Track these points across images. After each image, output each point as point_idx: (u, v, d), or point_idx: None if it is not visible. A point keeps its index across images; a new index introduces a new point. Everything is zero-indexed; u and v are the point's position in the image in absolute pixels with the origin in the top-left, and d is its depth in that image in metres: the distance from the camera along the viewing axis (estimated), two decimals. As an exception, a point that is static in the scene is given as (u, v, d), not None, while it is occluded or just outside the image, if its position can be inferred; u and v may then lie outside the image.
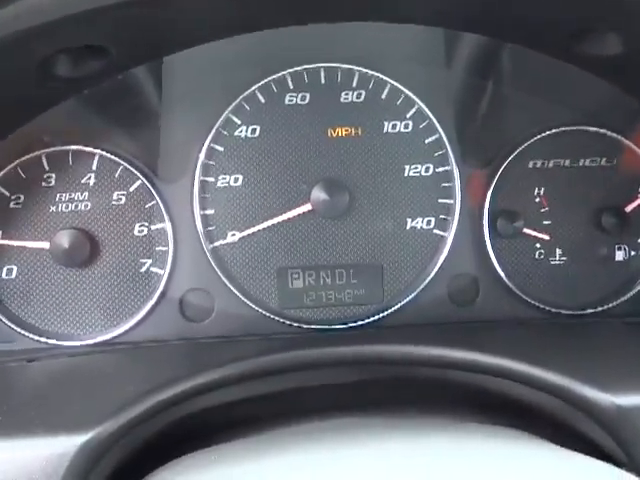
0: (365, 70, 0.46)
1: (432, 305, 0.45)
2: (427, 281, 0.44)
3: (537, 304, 0.42)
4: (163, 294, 0.45)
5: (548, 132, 0.43)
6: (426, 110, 0.45)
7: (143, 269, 0.46)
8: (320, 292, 0.45)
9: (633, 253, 0.44)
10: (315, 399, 0.41)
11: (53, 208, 0.47)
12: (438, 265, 0.44)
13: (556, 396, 0.36)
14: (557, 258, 0.44)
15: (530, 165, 0.43)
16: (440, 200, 0.43)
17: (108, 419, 0.39)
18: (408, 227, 0.43)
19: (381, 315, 0.44)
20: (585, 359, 0.37)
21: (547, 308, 0.43)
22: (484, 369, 0.36)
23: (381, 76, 0.46)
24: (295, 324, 0.46)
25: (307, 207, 0.43)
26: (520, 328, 0.44)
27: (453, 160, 0.43)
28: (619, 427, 0.36)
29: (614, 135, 0.44)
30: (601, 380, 0.35)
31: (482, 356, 0.36)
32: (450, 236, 0.43)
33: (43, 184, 0.47)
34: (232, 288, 0.45)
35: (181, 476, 0.38)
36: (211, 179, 0.45)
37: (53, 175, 0.47)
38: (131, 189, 0.46)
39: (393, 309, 0.44)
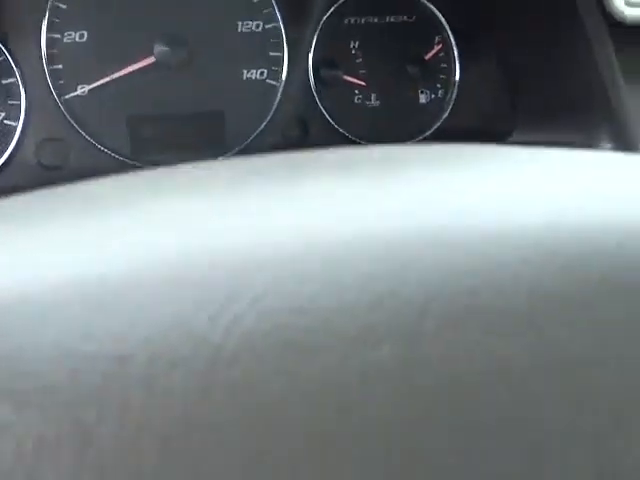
0: None
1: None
2: (264, 125, 0.50)
3: (359, 140, 0.50)
4: (18, 145, 0.47)
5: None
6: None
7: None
8: (169, 138, 0.50)
9: (433, 96, 0.53)
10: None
11: None
12: (272, 111, 0.50)
13: None
14: (372, 101, 0.52)
15: (346, 22, 0.50)
16: (271, 53, 0.49)
17: None
18: (244, 78, 0.49)
19: (223, 156, 0.50)
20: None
21: (367, 144, 0.51)
22: None
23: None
24: (147, 166, 0.51)
25: (150, 60, 0.47)
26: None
27: (280, 18, 0.48)
28: None
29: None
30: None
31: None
32: (281, 85, 0.49)
33: None
34: (86, 136, 0.48)
35: None
36: (57, 35, 0.48)
37: None
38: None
39: (235, 150, 0.49)
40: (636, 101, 0.47)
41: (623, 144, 0.45)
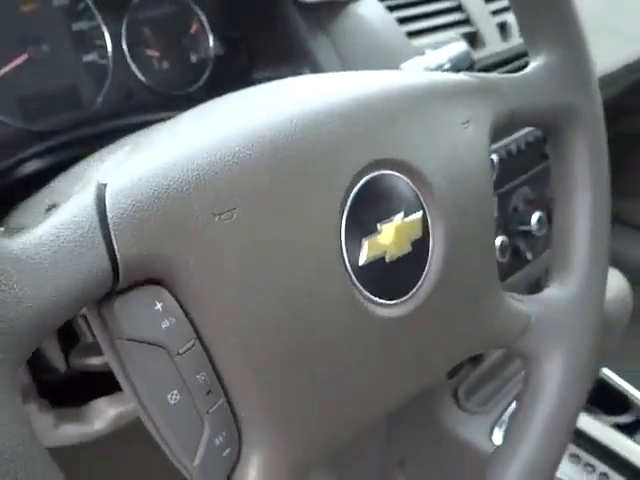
0: None
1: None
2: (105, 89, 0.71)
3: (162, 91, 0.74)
4: None
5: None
6: None
7: None
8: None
9: (197, 57, 0.79)
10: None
11: None
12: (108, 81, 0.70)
13: None
14: (163, 67, 0.76)
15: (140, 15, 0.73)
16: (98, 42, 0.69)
17: None
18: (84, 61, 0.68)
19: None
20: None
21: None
22: None
23: None
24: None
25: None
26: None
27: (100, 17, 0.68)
28: None
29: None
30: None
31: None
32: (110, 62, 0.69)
33: None
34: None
35: None
36: None
37: None
38: None
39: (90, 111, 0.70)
40: (321, 45, 0.77)
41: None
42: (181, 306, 0.32)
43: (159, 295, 0.31)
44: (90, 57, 0.63)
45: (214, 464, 0.33)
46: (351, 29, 0.73)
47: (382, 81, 0.43)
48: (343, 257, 0.36)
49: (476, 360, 0.97)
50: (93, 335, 0.47)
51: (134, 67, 0.65)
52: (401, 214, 0.39)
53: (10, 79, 0.60)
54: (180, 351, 0.31)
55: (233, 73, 0.73)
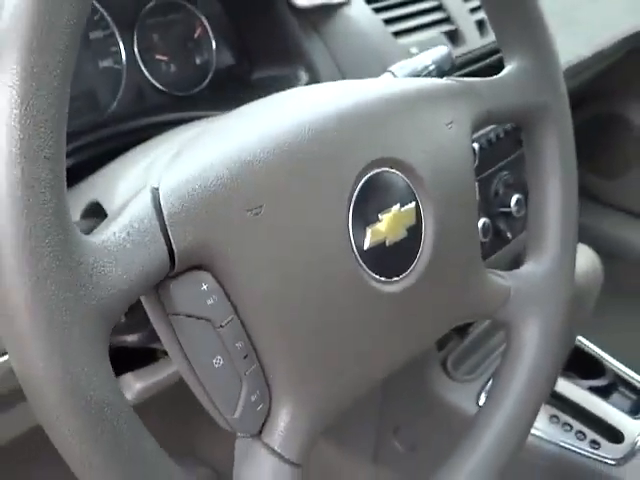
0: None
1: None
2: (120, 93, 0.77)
3: (170, 91, 0.80)
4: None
5: None
6: None
7: None
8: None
9: (202, 58, 0.85)
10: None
11: None
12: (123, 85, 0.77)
13: None
14: (171, 69, 0.82)
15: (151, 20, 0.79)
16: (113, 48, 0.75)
17: None
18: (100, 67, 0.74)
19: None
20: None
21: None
22: None
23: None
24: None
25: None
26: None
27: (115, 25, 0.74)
28: None
29: None
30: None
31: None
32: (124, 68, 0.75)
33: None
34: None
35: None
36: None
37: None
38: None
39: (109, 112, 0.76)
40: (315, 47, 0.84)
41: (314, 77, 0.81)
42: (221, 286, 0.38)
43: (204, 278, 0.38)
44: (106, 63, 0.69)
45: (250, 417, 0.40)
46: (342, 31, 0.80)
47: (378, 89, 0.50)
48: (351, 243, 0.43)
49: (462, 333, 1.04)
50: (125, 315, 0.54)
51: (145, 71, 0.71)
52: (397, 205, 0.46)
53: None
54: (222, 324, 0.38)
55: (234, 74, 0.78)
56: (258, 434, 0.41)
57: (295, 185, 0.41)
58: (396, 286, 0.46)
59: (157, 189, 0.37)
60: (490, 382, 0.97)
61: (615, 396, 0.97)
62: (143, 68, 0.74)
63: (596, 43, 1.29)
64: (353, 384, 0.45)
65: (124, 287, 0.32)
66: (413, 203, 0.47)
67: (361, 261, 0.44)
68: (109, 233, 0.32)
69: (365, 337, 0.44)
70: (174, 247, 0.35)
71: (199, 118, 0.65)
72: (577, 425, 0.91)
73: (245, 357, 0.39)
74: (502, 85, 0.57)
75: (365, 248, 0.44)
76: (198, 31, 0.77)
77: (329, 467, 1.06)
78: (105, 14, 0.67)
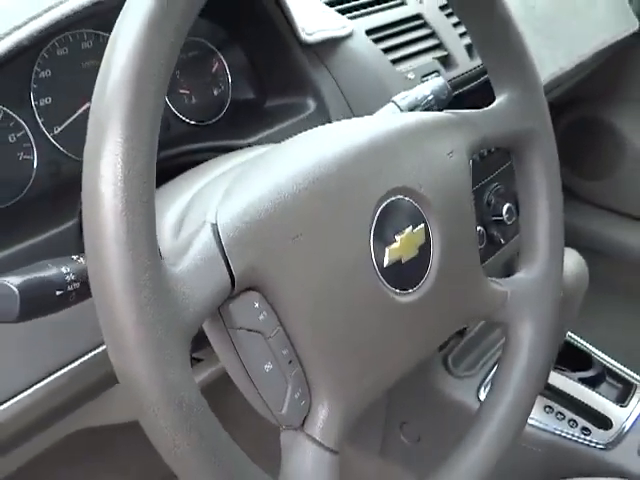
0: None
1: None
2: None
3: (190, 121, 0.87)
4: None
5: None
6: None
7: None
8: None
9: (217, 90, 0.93)
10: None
11: None
12: None
13: None
14: (192, 101, 0.90)
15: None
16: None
17: None
18: None
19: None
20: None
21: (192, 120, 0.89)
22: None
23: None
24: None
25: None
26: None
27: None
28: None
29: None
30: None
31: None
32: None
33: None
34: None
35: None
36: None
37: None
38: None
39: None
40: (321, 77, 0.91)
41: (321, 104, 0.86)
42: (269, 304, 0.46)
43: (255, 297, 0.46)
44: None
45: (294, 412, 0.48)
46: (346, 61, 0.87)
47: (388, 124, 0.58)
48: (372, 261, 0.51)
49: (461, 333, 1.13)
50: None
51: (170, 104, 0.79)
52: (410, 227, 0.54)
53: (78, 124, 0.73)
54: (271, 335, 0.46)
55: (248, 103, 0.82)
56: (301, 426, 0.49)
57: (326, 214, 0.49)
58: (411, 297, 0.54)
59: (215, 224, 0.44)
60: (488, 376, 1.06)
61: (603, 386, 1.05)
62: (169, 102, 0.81)
63: (576, 55, 1.37)
64: (378, 381, 0.53)
65: (199, 309, 0.40)
66: (422, 224, 0.55)
67: (381, 277, 0.52)
68: (183, 266, 0.39)
69: (386, 341, 0.52)
70: (234, 273, 0.43)
71: (219, 147, 0.73)
72: (569, 414, 0.99)
73: (290, 362, 0.47)
74: (494, 115, 0.65)
75: (385, 266, 0.52)
76: (215, 66, 0.84)
77: (340, 461, 1.13)
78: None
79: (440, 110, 0.68)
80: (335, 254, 0.45)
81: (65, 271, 0.45)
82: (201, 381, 0.71)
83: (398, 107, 0.72)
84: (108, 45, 0.38)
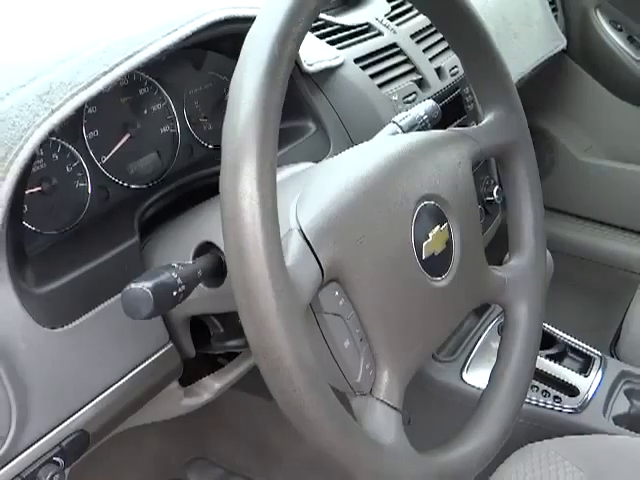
0: None
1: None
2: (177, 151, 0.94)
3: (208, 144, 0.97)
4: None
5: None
6: None
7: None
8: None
9: None
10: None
11: None
12: (179, 145, 0.94)
13: None
14: (207, 126, 1.00)
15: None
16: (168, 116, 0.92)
17: None
18: (161, 132, 0.91)
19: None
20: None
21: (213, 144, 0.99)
22: None
23: None
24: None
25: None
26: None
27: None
28: None
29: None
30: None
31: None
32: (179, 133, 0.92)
33: None
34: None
35: None
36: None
37: None
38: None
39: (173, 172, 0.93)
40: (320, 102, 1.03)
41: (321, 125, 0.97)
42: (345, 292, 0.58)
43: (336, 287, 0.57)
44: (165, 129, 0.86)
45: (366, 379, 0.59)
46: (340, 87, 0.98)
47: (410, 141, 0.70)
48: (414, 255, 0.63)
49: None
50: (223, 326, 0.72)
51: (192, 131, 0.89)
52: (438, 226, 0.67)
53: (120, 154, 0.82)
54: (348, 317, 0.57)
55: None
56: (369, 392, 0.60)
57: (378, 219, 0.61)
58: (443, 282, 0.66)
59: (301, 229, 0.56)
60: (469, 360, 1.19)
61: (567, 360, 1.20)
62: (191, 130, 0.91)
63: (518, 72, 1.54)
64: (423, 350, 0.65)
65: (307, 299, 0.51)
66: (446, 223, 0.68)
67: (422, 268, 0.64)
68: (288, 265, 0.50)
69: (428, 318, 0.65)
70: (323, 267, 0.54)
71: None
72: (542, 385, 1.13)
73: (361, 340, 0.58)
74: (486, 130, 0.78)
75: (423, 258, 0.64)
76: (228, 94, 0.95)
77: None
78: (162, 90, 0.85)
79: (434, 128, 0.82)
80: (388, 252, 0.57)
81: (175, 275, 0.55)
82: (224, 385, 0.81)
83: (399, 127, 0.85)
84: (233, 86, 0.48)
